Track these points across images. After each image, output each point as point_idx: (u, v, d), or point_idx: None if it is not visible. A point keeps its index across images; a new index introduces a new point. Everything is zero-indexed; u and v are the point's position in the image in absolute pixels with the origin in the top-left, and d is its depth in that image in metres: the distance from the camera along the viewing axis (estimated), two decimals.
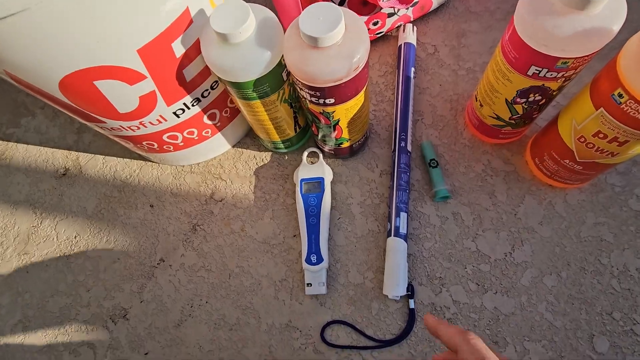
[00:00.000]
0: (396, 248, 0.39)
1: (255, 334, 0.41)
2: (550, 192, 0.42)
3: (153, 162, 0.52)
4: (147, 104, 0.35)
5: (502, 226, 0.41)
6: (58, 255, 0.49)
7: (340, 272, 0.42)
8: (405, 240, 0.40)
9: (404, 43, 0.48)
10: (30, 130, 0.57)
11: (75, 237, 0.49)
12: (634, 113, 0.27)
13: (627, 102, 0.27)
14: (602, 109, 0.30)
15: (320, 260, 0.41)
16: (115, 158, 0.53)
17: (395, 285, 0.38)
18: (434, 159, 0.43)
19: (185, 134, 0.42)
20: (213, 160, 0.50)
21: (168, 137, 0.42)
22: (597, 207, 0.40)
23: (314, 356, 0.39)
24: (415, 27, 0.50)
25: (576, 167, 0.36)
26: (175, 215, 0.48)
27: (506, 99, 0.36)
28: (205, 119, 0.42)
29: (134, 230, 0.48)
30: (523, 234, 0.40)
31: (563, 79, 0.31)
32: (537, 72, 0.31)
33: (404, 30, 0.49)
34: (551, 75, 0.31)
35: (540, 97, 0.34)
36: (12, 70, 0.29)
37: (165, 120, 0.39)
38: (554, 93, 0.34)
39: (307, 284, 0.41)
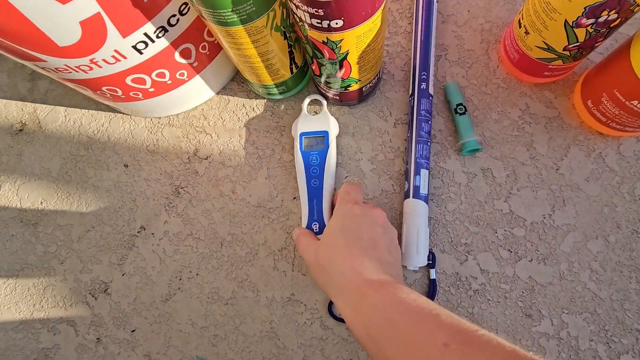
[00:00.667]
0: (416, 211, 0.33)
1: (254, 308, 0.37)
2: (601, 141, 0.35)
3: (124, 113, 0.43)
4: (93, 34, 0.27)
5: (541, 183, 0.35)
6: (24, 223, 0.43)
7: None
8: (427, 203, 0.34)
9: None
10: None
11: (41, 202, 0.43)
12: None
13: None
14: None
15: (323, 229, 0.35)
16: (79, 110, 0.45)
17: (414, 254, 0.32)
18: (461, 104, 0.36)
19: (154, 76, 0.34)
20: (194, 111, 0.42)
21: (133, 81, 0.33)
22: None
23: (321, 332, 0.35)
24: None
25: None
26: (154, 176, 0.41)
27: (566, 21, 0.28)
28: (178, 57, 0.33)
29: (108, 194, 0.42)
30: (566, 192, 0.34)
31: None
32: None
33: None
34: None
35: (615, 16, 0.26)
36: None
37: (125, 58, 0.30)
38: (635, 9, 0.26)
39: None
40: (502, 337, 0.31)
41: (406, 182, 0.35)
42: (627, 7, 0.25)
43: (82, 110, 0.45)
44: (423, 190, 0.34)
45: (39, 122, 0.45)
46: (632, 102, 0.29)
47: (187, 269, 0.38)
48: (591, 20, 0.27)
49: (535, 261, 0.33)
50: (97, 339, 0.38)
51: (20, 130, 0.46)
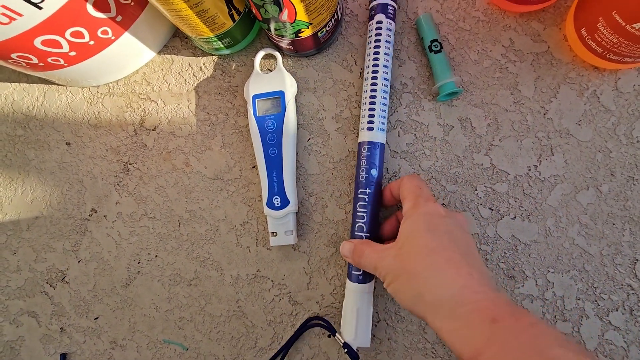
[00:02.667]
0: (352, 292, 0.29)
1: (219, 288, 0.34)
2: (597, 77, 0.30)
3: (58, 84, 0.38)
4: None
5: (527, 131, 0.30)
6: None
7: (315, 207, 0.33)
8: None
9: None
10: None
11: None
12: None
13: None
14: None
15: (286, 203, 0.31)
16: (9, 84, 0.40)
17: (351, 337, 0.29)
18: (436, 40, 0.31)
19: (68, 36, 0.29)
20: (135, 75, 0.37)
21: (44, 44, 0.28)
22: None
23: (290, 308, 0.33)
24: None
25: None
26: (99, 153, 0.37)
27: None
28: (92, 10, 0.28)
29: (53, 177, 0.38)
30: (554, 139, 0.30)
31: None
32: None
33: None
34: None
35: None
36: None
37: (20, 15, 0.25)
38: None
39: (272, 233, 0.32)
40: None
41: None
42: None
43: (13, 84, 0.40)
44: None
45: None
46: (634, 25, 0.24)
47: (145, 251, 0.36)
48: None
49: (518, 218, 0.30)
50: (61, 328, 0.37)
51: None
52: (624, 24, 0.24)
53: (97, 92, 0.38)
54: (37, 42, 0.28)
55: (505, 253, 0.30)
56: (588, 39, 0.28)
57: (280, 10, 0.25)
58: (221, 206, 0.35)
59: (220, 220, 0.35)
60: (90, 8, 0.28)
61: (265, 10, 0.26)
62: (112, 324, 0.36)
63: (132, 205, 0.36)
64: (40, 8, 0.25)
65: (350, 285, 0.29)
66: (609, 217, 0.29)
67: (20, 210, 0.38)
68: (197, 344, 0.34)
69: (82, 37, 0.29)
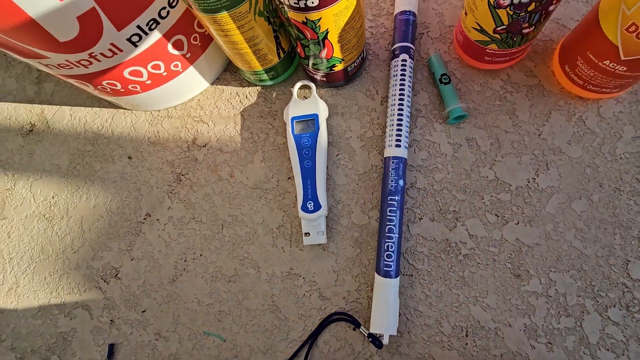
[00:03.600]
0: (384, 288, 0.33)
1: (256, 284, 0.38)
2: (581, 105, 0.36)
3: (125, 108, 0.46)
4: (90, 28, 0.29)
5: (525, 149, 0.36)
6: (38, 217, 0.45)
7: (342, 213, 0.38)
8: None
9: None
10: None
11: (52, 197, 0.45)
12: None
13: None
14: None
15: (318, 207, 0.36)
16: (84, 108, 0.47)
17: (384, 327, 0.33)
18: (445, 74, 0.37)
19: (149, 68, 0.36)
20: (191, 102, 0.44)
21: (130, 74, 0.36)
22: (636, 118, 0.35)
23: (320, 302, 0.37)
24: None
25: (618, 69, 0.30)
26: (156, 165, 0.43)
27: (489, 1, 0.29)
28: (171, 49, 0.35)
29: (114, 185, 0.44)
30: (549, 156, 0.35)
31: None
32: None
33: None
34: None
35: (528, 0, 0.27)
36: None
37: (121, 51, 0.32)
38: None
39: (305, 234, 0.37)
40: (493, 297, 0.33)
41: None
42: None
43: (86, 108, 0.47)
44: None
45: (47, 122, 0.48)
46: (604, 62, 0.30)
47: (192, 250, 0.41)
48: (508, 2, 0.28)
49: (521, 224, 0.35)
50: (111, 320, 0.41)
51: (30, 130, 0.48)
52: (596, 61, 0.30)
53: (158, 115, 0.45)
54: (126, 72, 0.35)
55: (511, 254, 0.34)
56: (571, 73, 0.34)
57: (321, 49, 0.32)
58: (260, 211, 0.40)
59: (258, 224, 0.40)
60: (170, 47, 0.35)
61: (309, 48, 0.33)
62: (158, 317, 0.40)
63: (182, 210, 0.42)
64: (136, 46, 0.33)
65: (380, 280, 0.33)
66: (600, 223, 0.33)
67: (83, 214, 0.44)
68: (234, 336, 0.38)
69: (159, 68, 0.37)
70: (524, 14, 0.29)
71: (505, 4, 0.28)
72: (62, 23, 0.27)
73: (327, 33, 0.30)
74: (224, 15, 0.29)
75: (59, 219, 0.45)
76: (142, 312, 0.40)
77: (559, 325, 0.32)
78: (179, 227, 0.41)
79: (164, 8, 0.32)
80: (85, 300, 0.42)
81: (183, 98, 0.43)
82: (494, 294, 0.34)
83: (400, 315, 0.35)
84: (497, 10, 0.29)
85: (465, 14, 0.33)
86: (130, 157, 0.44)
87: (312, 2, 0.26)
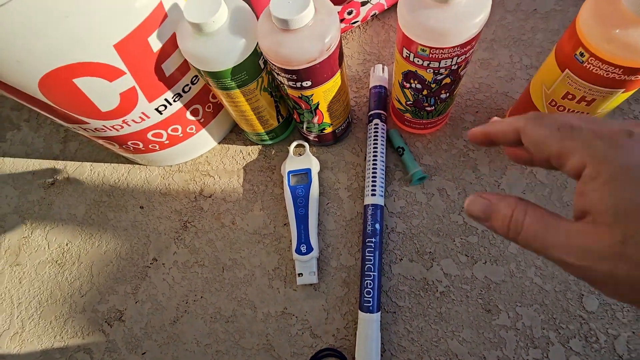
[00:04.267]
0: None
1: (252, 324, 0.41)
2: None
3: (141, 164, 0.52)
4: (128, 101, 0.36)
5: None
6: (51, 263, 0.49)
7: (332, 255, 0.43)
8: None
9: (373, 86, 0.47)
10: (16, 143, 0.58)
11: (66, 244, 0.49)
12: (596, 70, 0.28)
13: (589, 60, 0.28)
14: (567, 70, 0.31)
15: (310, 249, 0.41)
16: (103, 164, 0.53)
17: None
18: (400, 147, 0.44)
19: (169, 131, 0.43)
20: (200, 158, 0.51)
21: (153, 135, 0.42)
22: None
23: (311, 340, 0.40)
24: (385, 67, 0.48)
25: None
26: (165, 214, 0.48)
27: (399, 81, 0.37)
28: (189, 115, 0.43)
29: (125, 233, 0.48)
30: None
31: (432, 70, 0.33)
32: (407, 55, 0.32)
33: (374, 71, 0.48)
34: (419, 62, 0.32)
35: (420, 86, 0.35)
36: None
37: (148, 118, 0.39)
38: (433, 86, 0.35)
39: (298, 274, 0.41)
40: (468, 331, 0.37)
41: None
42: (425, 83, 0.34)
43: (106, 164, 0.53)
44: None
45: (68, 176, 0.54)
46: None
47: (193, 292, 0.44)
48: (408, 85, 0.36)
49: (488, 263, 0.39)
50: None
51: (52, 184, 0.54)
52: None
53: (170, 169, 0.51)
54: (149, 134, 0.42)
55: (481, 291, 0.39)
56: None
57: (314, 116, 0.40)
58: (258, 255, 0.44)
59: (256, 267, 0.44)
60: (188, 114, 0.42)
61: (304, 116, 0.40)
62: (157, 359, 0.42)
63: (187, 254, 0.46)
64: (161, 114, 0.40)
65: (362, 315, 0.37)
66: None
67: (94, 260, 0.48)
68: None
69: (177, 131, 0.43)
70: (421, 96, 0.37)
71: (407, 87, 0.36)
72: (108, 98, 0.34)
73: (318, 104, 0.38)
74: (236, 92, 0.36)
75: (71, 264, 0.48)
76: (143, 354, 0.42)
77: (527, 357, 0.35)
78: (183, 271, 0.45)
79: (187, 85, 0.39)
80: (87, 343, 0.44)
81: (193, 155, 0.50)
82: (469, 328, 0.37)
83: (385, 351, 0.38)
84: (403, 89, 0.37)
85: (392, 85, 0.41)
86: (142, 207, 0.49)
87: (306, 83, 0.34)
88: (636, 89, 0.30)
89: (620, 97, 0.30)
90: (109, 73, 0.32)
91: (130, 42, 0.31)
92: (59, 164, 0.55)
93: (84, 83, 0.32)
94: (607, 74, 0.28)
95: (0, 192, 0.54)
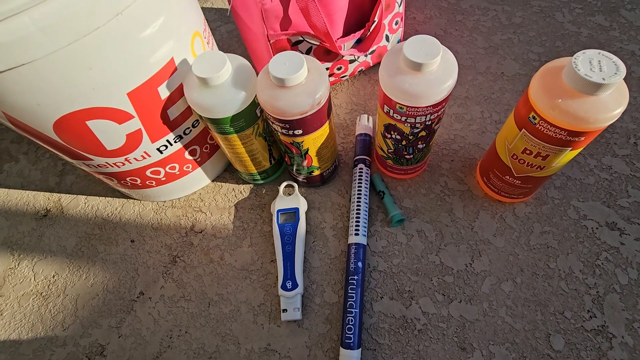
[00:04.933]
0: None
1: None
2: (501, 207, 0.47)
3: (135, 199, 0.54)
4: (133, 141, 0.39)
5: (461, 240, 0.45)
6: (35, 295, 0.49)
7: (316, 292, 0.44)
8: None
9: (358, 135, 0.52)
10: (13, 175, 0.59)
11: (53, 276, 0.50)
12: (547, 131, 0.33)
13: (540, 122, 0.33)
14: (523, 129, 0.36)
15: (295, 286, 0.43)
16: (97, 197, 0.55)
17: None
18: (381, 190, 0.48)
19: (167, 169, 0.46)
20: (193, 195, 0.53)
21: (151, 173, 0.45)
22: (542, 217, 0.45)
23: None
24: (370, 117, 0.53)
25: (516, 182, 0.42)
26: (155, 248, 0.50)
27: (381, 131, 0.42)
28: (187, 155, 0.46)
29: (114, 266, 0.49)
30: (480, 245, 0.45)
31: (409, 124, 0.37)
32: (388, 111, 0.37)
33: (359, 120, 0.53)
34: (397, 117, 0.37)
35: (399, 137, 0.40)
36: (10, 113, 0.32)
37: (149, 156, 0.42)
38: (410, 137, 0.40)
39: (283, 310, 0.42)
40: None
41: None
42: (404, 134, 0.39)
43: (100, 197, 0.55)
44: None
45: (62, 208, 0.55)
46: (505, 177, 0.42)
47: (178, 327, 0.44)
48: (389, 135, 0.41)
49: (463, 302, 0.42)
50: None
51: (45, 215, 0.55)
52: (500, 176, 0.42)
53: (163, 205, 0.53)
54: (148, 172, 0.44)
55: (457, 329, 0.41)
56: (488, 183, 0.46)
57: (303, 160, 0.43)
58: (244, 290, 0.46)
59: (242, 302, 0.45)
60: (186, 154, 0.45)
61: (294, 159, 0.44)
62: None
63: (174, 289, 0.47)
64: (162, 153, 0.43)
65: (344, 352, 0.38)
66: (525, 302, 0.41)
67: (79, 292, 0.48)
68: None
69: (174, 169, 0.46)
70: (400, 145, 0.41)
71: (388, 137, 0.41)
72: (115, 138, 0.37)
73: (307, 150, 0.41)
74: (234, 136, 0.40)
75: (55, 297, 0.48)
76: None
77: None
78: (169, 305, 0.46)
79: (188, 128, 0.43)
80: None
81: (188, 191, 0.52)
82: None
83: None
84: (385, 139, 0.42)
85: (376, 134, 0.46)
86: (132, 241, 0.51)
87: (298, 132, 0.38)
88: (583, 147, 0.35)
89: (570, 153, 0.35)
90: (120, 117, 0.36)
91: (142, 91, 0.35)
92: (53, 196, 0.56)
93: (95, 125, 0.35)
94: (555, 135, 0.33)
95: None
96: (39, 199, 0.56)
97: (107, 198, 0.55)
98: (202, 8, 0.73)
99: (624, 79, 0.50)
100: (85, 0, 0.27)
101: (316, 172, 0.47)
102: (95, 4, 0.28)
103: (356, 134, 0.53)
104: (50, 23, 0.26)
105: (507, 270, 0.43)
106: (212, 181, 0.54)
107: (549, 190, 0.47)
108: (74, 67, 0.29)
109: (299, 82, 0.34)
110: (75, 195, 0.56)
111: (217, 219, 0.51)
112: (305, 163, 0.44)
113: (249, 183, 0.53)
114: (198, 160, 0.48)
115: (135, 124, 0.37)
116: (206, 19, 0.50)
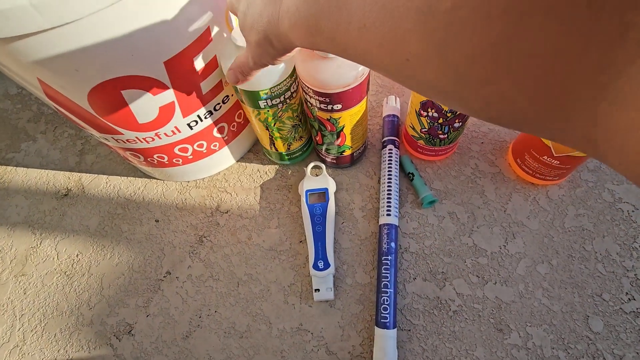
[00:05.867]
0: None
1: (267, 339, 0.41)
2: (533, 189, 0.46)
3: (158, 179, 0.53)
4: (165, 115, 0.38)
5: (494, 222, 0.44)
6: (59, 274, 0.48)
7: (347, 273, 0.44)
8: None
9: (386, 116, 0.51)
10: (31, 154, 0.58)
11: (77, 255, 0.49)
12: None
13: None
14: None
15: (327, 265, 0.42)
16: (119, 177, 0.54)
17: None
18: (410, 172, 0.47)
19: (195, 146, 0.45)
20: (217, 175, 0.52)
21: (179, 150, 0.44)
22: (576, 200, 0.45)
23: (327, 357, 0.40)
24: (397, 98, 0.52)
25: (554, 162, 0.41)
26: (181, 228, 0.49)
27: (416, 110, 0.41)
28: (215, 132, 0.45)
29: (139, 245, 0.48)
30: (514, 227, 0.44)
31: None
32: None
33: (387, 101, 0.52)
34: None
35: (437, 115, 0.39)
36: (46, 79, 0.31)
37: (179, 132, 0.41)
38: (449, 115, 0.39)
39: (315, 290, 0.42)
40: (481, 350, 0.38)
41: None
42: (442, 112, 0.39)
43: (122, 177, 0.54)
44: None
45: (83, 188, 0.54)
46: (543, 157, 0.41)
47: (207, 307, 0.44)
48: (425, 113, 0.40)
49: (498, 283, 0.41)
50: None
51: (66, 195, 0.54)
52: (537, 156, 0.42)
53: (187, 185, 0.52)
54: (176, 149, 0.43)
55: (492, 310, 0.40)
56: (522, 165, 0.45)
57: (337, 138, 0.42)
58: (273, 271, 0.45)
59: (271, 282, 0.44)
60: (215, 131, 0.44)
61: (327, 137, 0.43)
62: None
63: (201, 269, 0.46)
64: (191, 129, 0.42)
65: (379, 331, 0.38)
66: (561, 284, 0.41)
67: (105, 272, 0.47)
68: None
69: (202, 147, 0.45)
70: (436, 124, 0.40)
71: (424, 115, 0.40)
72: (148, 110, 0.36)
73: (343, 127, 0.40)
74: (267, 112, 0.39)
75: (80, 276, 0.48)
76: None
77: None
78: (197, 285, 0.45)
79: (218, 104, 0.42)
80: (93, 357, 0.43)
81: (212, 172, 0.51)
82: (482, 347, 0.38)
83: None
84: (420, 117, 0.41)
85: (409, 113, 0.45)
86: (157, 220, 0.50)
87: (337, 106, 0.37)
88: None
89: None
90: (155, 87, 0.34)
91: (178, 61, 0.34)
92: (73, 176, 0.55)
93: (130, 95, 0.34)
94: None
95: (11, 201, 0.54)
96: (59, 178, 0.55)
97: (129, 178, 0.54)
98: None
99: None
100: None
101: (347, 152, 0.46)
102: None
103: (383, 115, 0.52)
104: None
105: (542, 252, 0.42)
106: (237, 162, 0.53)
107: (582, 173, 0.46)
108: (116, 30, 0.28)
109: None
110: (96, 175, 0.55)
111: (242, 199, 0.50)
112: (338, 142, 0.43)
113: (275, 163, 0.52)
114: (225, 138, 0.47)
115: (169, 96, 0.36)
116: None
